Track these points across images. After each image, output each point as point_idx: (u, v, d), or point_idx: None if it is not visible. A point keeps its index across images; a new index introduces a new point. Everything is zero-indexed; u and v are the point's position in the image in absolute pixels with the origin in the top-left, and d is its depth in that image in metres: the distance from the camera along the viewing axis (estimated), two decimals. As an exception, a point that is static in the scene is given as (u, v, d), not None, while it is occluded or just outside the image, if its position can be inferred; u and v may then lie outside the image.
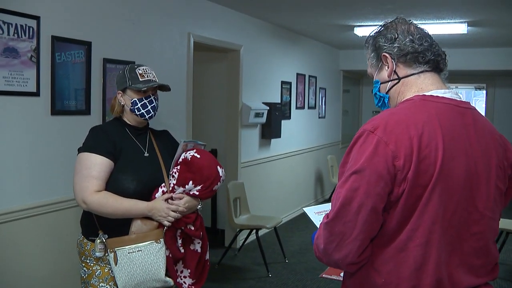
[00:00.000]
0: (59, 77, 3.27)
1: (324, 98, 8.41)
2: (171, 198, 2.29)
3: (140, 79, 2.34)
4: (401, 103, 1.52)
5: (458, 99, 1.52)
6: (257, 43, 5.97)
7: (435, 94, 1.50)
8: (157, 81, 2.41)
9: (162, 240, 2.26)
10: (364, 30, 6.23)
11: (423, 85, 1.54)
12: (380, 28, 1.63)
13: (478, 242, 1.46)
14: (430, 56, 1.54)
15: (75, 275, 2.64)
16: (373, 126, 1.41)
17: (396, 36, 1.55)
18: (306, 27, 6.52)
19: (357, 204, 1.37)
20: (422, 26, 1.63)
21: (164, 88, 2.45)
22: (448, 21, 5.59)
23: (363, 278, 1.47)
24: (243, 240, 5.57)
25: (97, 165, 2.22)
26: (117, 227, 2.24)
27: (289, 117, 6.98)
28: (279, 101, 6.60)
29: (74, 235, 3.07)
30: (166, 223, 2.27)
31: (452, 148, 1.40)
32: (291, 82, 6.99)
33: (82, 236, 2.35)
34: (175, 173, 2.30)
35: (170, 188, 2.31)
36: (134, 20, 3.93)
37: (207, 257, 2.45)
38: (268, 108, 6.03)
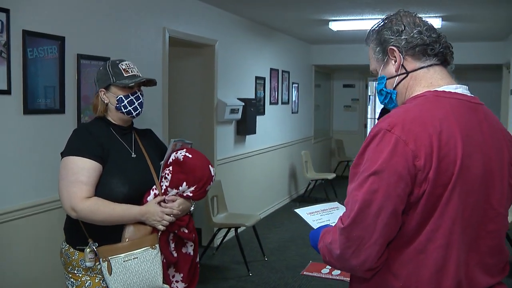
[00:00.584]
0: (31, 74, 3.10)
1: (297, 93, 8.37)
2: (164, 200, 2.17)
3: (125, 75, 2.21)
4: (413, 99, 1.46)
5: (469, 95, 1.48)
6: (232, 38, 5.87)
7: (447, 90, 1.45)
8: (141, 75, 2.28)
9: (157, 245, 2.14)
10: (340, 24, 6.20)
11: (433, 79, 1.48)
12: (383, 22, 1.55)
13: (493, 240, 1.43)
14: (438, 49, 1.48)
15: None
16: (389, 124, 1.34)
17: (403, 28, 1.48)
18: (280, 21, 6.45)
19: (376, 207, 1.30)
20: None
21: (151, 82, 2.32)
22: (424, 15, 5.59)
23: (379, 283, 1.40)
24: (221, 239, 5.47)
25: (85, 170, 2.07)
26: (107, 234, 2.10)
27: (263, 113, 6.90)
28: (254, 97, 6.52)
29: (50, 240, 2.94)
30: (160, 227, 2.15)
31: (469, 145, 1.36)
32: (265, 78, 6.92)
33: (68, 245, 2.18)
34: (168, 174, 2.19)
35: (163, 191, 2.20)
36: (110, 14, 3.77)
37: (197, 259, 2.35)
38: (243, 104, 5.94)
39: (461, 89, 1.46)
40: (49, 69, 3.24)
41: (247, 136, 6.34)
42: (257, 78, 6.64)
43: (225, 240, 5.52)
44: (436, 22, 5.72)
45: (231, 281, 4.59)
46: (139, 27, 4.13)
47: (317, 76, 9.50)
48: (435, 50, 1.47)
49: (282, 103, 7.70)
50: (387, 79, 1.55)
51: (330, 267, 4.93)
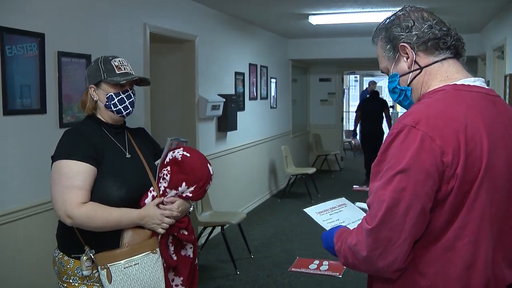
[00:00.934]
0: (11, 73, 2.96)
1: (275, 88, 8.33)
2: (162, 202, 2.08)
3: (117, 72, 2.10)
4: (432, 94, 1.43)
5: (486, 87, 1.46)
6: (211, 33, 5.77)
7: (466, 83, 1.42)
8: (134, 73, 2.19)
9: (158, 249, 2.05)
10: (319, 18, 6.16)
11: (449, 73, 1.45)
12: (391, 19, 1.52)
13: None
14: (450, 41, 1.46)
15: None
16: (413, 120, 1.31)
17: (412, 23, 1.45)
18: (260, 16, 6.38)
19: (404, 206, 1.27)
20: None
21: (144, 82, 2.22)
22: (399, 9, 5.61)
23: (405, 283, 1.36)
24: (205, 237, 5.39)
25: (80, 174, 1.96)
26: (104, 240, 1.99)
27: (243, 109, 6.83)
28: (234, 93, 6.44)
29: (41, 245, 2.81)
30: (160, 230, 2.06)
31: (493, 140, 1.34)
32: (244, 73, 6.85)
33: (61, 253, 2.06)
34: (166, 175, 2.09)
35: (161, 192, 2.11)
36: (90, 10, 3.64)
37: (196, 261, 2.27)
38: (224, 100, 5.86)
39: (479, 81, 1.45)
40: (29, 67, 3.10)
41: (228, 133, 6.27)
42: (236, 73, 6.56)
43: (209, 238, 5.44)
44: (415, 15, 5.73)
45: (219, 280, 4.52)
46: (120, 23, 4.01)
47: (294, 71, 9.48)
48: (447, 43, 1.45)
49: (261, 98, 7.64)
50: (400, 76, 1.52)
51: (317, 263, 4.94)
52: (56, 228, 2.14)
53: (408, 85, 1.50)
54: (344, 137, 11.78)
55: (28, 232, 3.07)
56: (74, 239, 2.02)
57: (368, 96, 10.53)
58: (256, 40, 7.33)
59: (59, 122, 3.31)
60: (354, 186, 8.86)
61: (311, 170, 8.09)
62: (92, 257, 1.97)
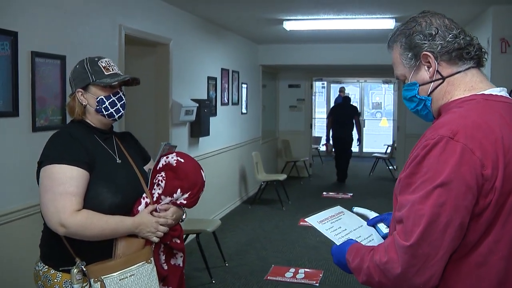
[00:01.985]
0: (-19, 73, 2.79)
1: (246, 93, 8.26)
2: (156, 210, 1.98)
3: (106, 73, 1.98)
4: (461, 103, 1.37)
5: (509, 97, 1.42)
6: (185, 37, 5.67)
7: (494, 93, 1.38)
8: (122, 73, 2.07)
9: (152, 259, 1.95)
10: (294, 24, 6.14)
11: (473, 83, 1.40)
12: (411, 25, 1.44)
13: None
14: (474, 52, 1.40)
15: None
16: (451, 131, 1.25)
17: (436, 31, 1.39)
18: (234, 20, 6.31)
19: (444, 221, 1.22)
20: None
21: (134, 82, 2.10)
22: (378, 16, 5.66)
23: None
24: (178, 246, 5.25)
25: (73, 179, 1.82)
26: (97, 251, 1.87)
27: (215, 114, 6.74)
28: (206, 98, 6.34)
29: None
30: (155, 239, 1.95)
31: None
32: (216, 78, 6.76)
33: (46, 267, 1.91)
34: (161, 181, 1.99)
35: (155, 199, 2.00)
36: (65, 10, 3.48)
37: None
38: (197, 105, 5.76)
39: (504, 91, 1.41)
40: (1, 67, 2.93)
41: (200, 138, 6.16)
42: (209, 78, 6.47)
43: (182, 246, 5.30)
44: (389, 23, 5.78)
45: (194, 290, 4.40)
46: (96, 24, 3.86)
47: (263, 76, 9.44)
48: (471, 53, 1.40)
49: (233, 104, 7.56)
50: (419, 86, 1.45)
51: (293, 271, 4.88)
52: (40, 238, 1.99)
53: (428, 95, 1.44)
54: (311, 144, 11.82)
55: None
56: (62, 250, 1.88)
57: (340, 101, 10.66)
58: (228, 45, 7.26)
59: (32, 126, 3.15)
60: (323, 193, 8.92)
61: (282, 177, 8.05)
62: (84, 269, 1.84)
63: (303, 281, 4.65)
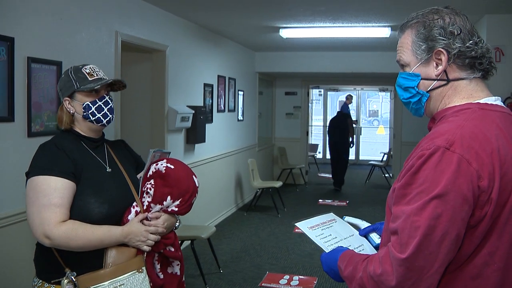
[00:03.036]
0: (-23, 78, 2.80)
1: (242, 100, 8.29)
2: (147, 218, 1.97)
3: (90, 79, 1.98)
4: (457, 112, 1.34)
5: (505, 106, 1.41)
6: (182, 43, 5.69)
7: (489, 102, 1.36)
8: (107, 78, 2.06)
9: (144, 268, 1.93)
10: (291, 32, 6.17)
11: (473, 91, 1.37)
12: (433, 16, 1.38)
13: None
14: (486, 64, 1.37)
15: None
16: (447, 141, 1.23)
17: (459, 32, 1.34)
18: (231, 28, 6.34)
19: (440, 233, 1.19)
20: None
21: (119, 85, 2.09)
22: (374, 24, 5.69)
23: None
24: (173, 252, 5.25)
25: (57, 190, 1.82)
26: (87, 261, 1.86)
27: (211, 121, 6.75)
28: (202, 104, 6.36)
29: None
30: (146, 248, 1.94)
31: None
32: (213, 85, 6.78)
33: (41, 281, 1.91)
34: (150, 189, 1.98)
35: (145, 207, 1.99)
36: (62, 16, 3.50)
37: (183, 278, 2.17)
38: (193, 111, 5.77)
39: (498, 100, 1.39)
40: (-3, 73, 2.95)
41: (196, 145, 6.17)
42: (205, 85, 6.49)
43: (177, 253, 5.30)
44: (385, 32, 5.82)
45: (188, 297, 4.40)
46: (92, 30, 3.88)
47: (260, 84, 9.47)
48: (483, 65, 1.37)
49: (229, 110, 7.58)
50: (422, 79, 1.40)
51: (288, 278, 4.88)
52: (34, 253, 1.99)
53: (428, 91, 1.40)
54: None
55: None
56: (53, 262, 1.88)
57: (344, 110, 10.59)
58: (225, 52, 7.29)
59: (27, 131, 3.16)
60: (319, 200, 8.92)
61: (278, 184, 8.06)
62: (74, 280, 1.83)
63: (297, 288, 4.65)
